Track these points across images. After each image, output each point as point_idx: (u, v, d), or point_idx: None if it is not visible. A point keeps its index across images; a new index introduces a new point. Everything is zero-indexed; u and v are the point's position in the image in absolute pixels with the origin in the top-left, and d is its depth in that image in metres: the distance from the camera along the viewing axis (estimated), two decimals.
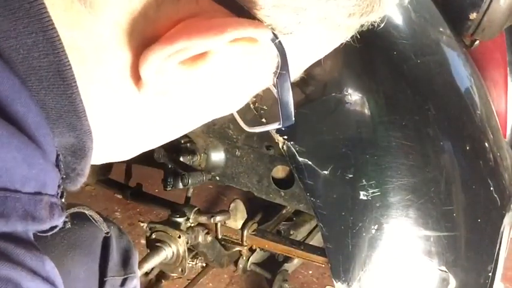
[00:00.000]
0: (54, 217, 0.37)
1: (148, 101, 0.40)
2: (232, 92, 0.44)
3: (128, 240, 0.89)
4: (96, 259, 0.81)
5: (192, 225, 1.27)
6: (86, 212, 0.49)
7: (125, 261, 0.85)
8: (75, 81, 0.35)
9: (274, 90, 0.42)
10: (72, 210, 0.44)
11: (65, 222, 0.42)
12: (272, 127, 0.53)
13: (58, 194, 0.39)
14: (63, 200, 0.41)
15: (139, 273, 0.89)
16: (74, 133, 0.38)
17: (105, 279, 0.81)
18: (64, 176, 0.41)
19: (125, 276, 0.84)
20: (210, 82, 0.39)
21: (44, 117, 0.35)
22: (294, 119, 0.44)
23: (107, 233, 0.85)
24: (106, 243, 0.84)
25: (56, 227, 0.40)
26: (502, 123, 1.22)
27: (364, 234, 0.85)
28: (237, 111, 0.56)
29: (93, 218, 0.53)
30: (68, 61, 0.34)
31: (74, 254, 0.79)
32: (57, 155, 0.38)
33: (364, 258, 0.86)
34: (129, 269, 0.85)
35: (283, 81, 0.41)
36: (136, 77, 0.37)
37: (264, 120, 0.82)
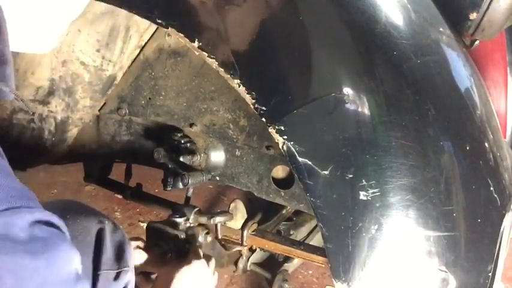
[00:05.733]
0: None
1: None
2: None
3: (122, 235, 0.88)
4: (90, 253, 0.81)
5: (192, 225, 1.27)
6: (7, 90, 0.48)
7: (119, 255, 0.85)
8: None
9: None
10: None
11: None
12: None
13: None
14: None
15: (133, 267, 0.89)
16: None
17: (98, 272, 0.81)
18: None
19: (119, 270, 0.84)
20: None
21: None
22: None
23: (101, 222, 0.84)
24: (99, 237, 0.84)
25: None
26: (502, 123, 1.22)
27: (364, 234, 0.85)
28: None
29: (21, 100, 0.52)
30: None
31: None
32: None
33: (364, 258, 0.86)
34: (123, 263, 0.85)
35: None
36: None
37: None
